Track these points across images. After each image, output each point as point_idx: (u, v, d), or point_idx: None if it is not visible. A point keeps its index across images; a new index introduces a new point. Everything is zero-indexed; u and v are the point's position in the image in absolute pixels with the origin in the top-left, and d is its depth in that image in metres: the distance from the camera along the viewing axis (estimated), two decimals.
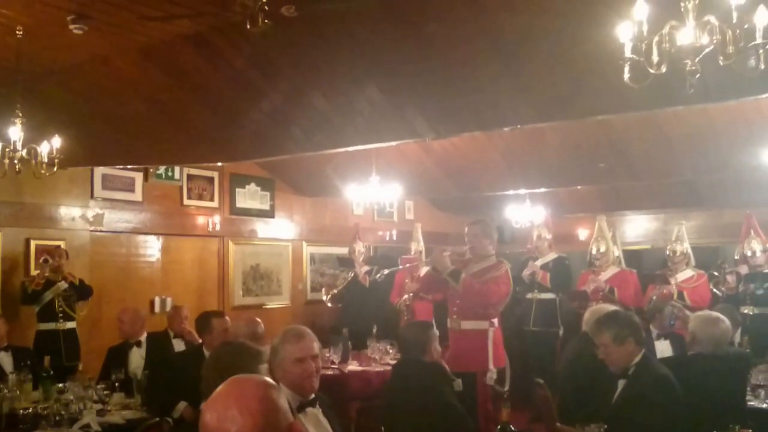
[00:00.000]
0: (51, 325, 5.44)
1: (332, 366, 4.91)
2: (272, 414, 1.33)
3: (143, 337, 4.59)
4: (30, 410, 3.34)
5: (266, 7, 3.30)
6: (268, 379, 1.44)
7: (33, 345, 5.30)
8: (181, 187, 7.05)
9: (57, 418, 3.22)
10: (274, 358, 2.36)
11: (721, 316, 3.53)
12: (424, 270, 6.71)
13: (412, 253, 6.92)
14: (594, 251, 6.11)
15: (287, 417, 1.36)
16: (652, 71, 2.38)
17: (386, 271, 5.28)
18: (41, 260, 5.51)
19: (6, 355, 4.36)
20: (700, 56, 2.31)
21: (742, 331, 4.77)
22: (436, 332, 3.52)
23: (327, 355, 4.92)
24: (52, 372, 3.86)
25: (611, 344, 2.89)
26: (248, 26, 3.37)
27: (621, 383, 2.92)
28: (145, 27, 4.03)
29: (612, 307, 3.69)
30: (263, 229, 7.83)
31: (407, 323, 5.06)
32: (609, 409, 2.89)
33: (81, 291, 5.62)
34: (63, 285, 5.47)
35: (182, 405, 3.69)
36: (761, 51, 2.22)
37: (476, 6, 3.51)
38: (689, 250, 5.75)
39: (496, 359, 4.07)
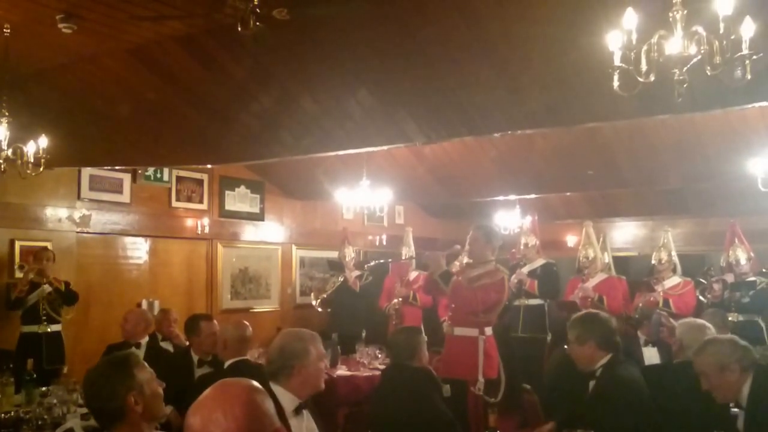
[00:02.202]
0: (34, 328, 5.37)
1: None
2: (257, 418, 1.32)
3: (144, 341, 4.55)
4: (12, 414, 3.29)
5: (258, 10, 3.29)
6: (255, 384, 1.43)
7: (16, 347, 5.23)
8: (169, 189, 7.01)
9: (39, 423, 3.17)
10: (302, 359, 2.33)
11: (707, 324, 3.56)
12: (413, 274, 6.73)
13: (403, 258, 6.92)
14: (582, 258, 6.14)
15: (273, 422, 1.35)
16: (640, 80, 2.41)
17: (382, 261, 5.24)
18: (19, 267, 5.44)
19: None
20: (688, 66, 2.34)
21: None
22: (425, 338, 3.52)
23: None
24: (34, 375, 3.80)
25: (574, 343, 3.04)
26: (239, 29, 3.36)
27: (591, 384, 3.01)
28: (135, 27, 4.01)
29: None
30: (252, 232, 7.80)
31: (397, 328, 5.05)
32: (581, 410, 2.97)
33: (67, 297, 5.54)
34: (47, 288, 5.39)
35: (168, 409, 3.65)
36: (747, 62, 2.26)
37: (469, 13, 3.52)
38: (675, 258, 5.79)
39: (486, 369, 4.04)
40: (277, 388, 2.28)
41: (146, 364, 2.04)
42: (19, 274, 5.58)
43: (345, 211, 8.47)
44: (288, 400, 2.28)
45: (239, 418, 1.30)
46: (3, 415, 3.30)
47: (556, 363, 3.78)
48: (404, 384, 3.27)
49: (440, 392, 3.33)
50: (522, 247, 6.69)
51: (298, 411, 2.31)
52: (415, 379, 3.26)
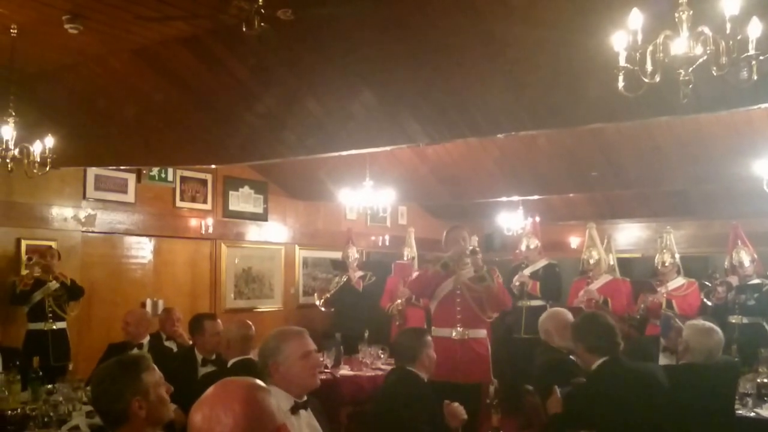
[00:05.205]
0: (40, 325, 5.40)
1: (325, 370, 4.89)
2: (256, 416, 1.33)
3: (145, 341, 4.57)
4: (18, 411, 3.30)
5: (262, 11, 3.31)
6: (256, 381, 1.44)
7: (23, 345, 5.26)
8: (174, 189, 7.03)
9: (45, 420, 3.18)
10: (275, 358, 2.31)
11: (715, 327, 3.54)
12: (416, 274, 6.70)
13: (405, 258, 6.92)
14: (587, 260, 6.12)
15: (274, 419, 1.36)
16: (646, 80, 2.41)
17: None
18: (27, 258, 5.48)
19: None
20: (694, 66, 2.34)
21: (731, 340, 4.79)
22: (429, 340, 3.43)
23: (321, 359, 4.90)
24: (41, 372, 3.82)
25: (573, 348, 3.21)
26: (244, 29, 3.37)
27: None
28: (140, 28, 4.03)
29: (563, 311, 3.88)
30: (256, 232, 7.81)
31: (402, 330, 5.04)
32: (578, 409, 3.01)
33: (72, 291, 5.58)
34: (54, 285, 5.43)
35: (172, 407, 3.66)
36: (754, 62, 2.25)
37: (473, 13, 3.53)
38: (678, 260, 5.77)
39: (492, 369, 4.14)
40: (272, 387, 2.28)
41: (156, 367, 2.04)
42: (24, 271, 5.61)
43: (348, 212, 8.48)
44: (283, 398, 2.26)
45: (239, 415, 1.31)
46: (10, 412, 3.31)
47: (540, 362, 3.77)
48: (395, 387, 3.17)
49: (423, 399, 3.04)
50: (524, 249, 6.68)
51: (295, 410, 2.29)
52: (402, 384, 3.10)
